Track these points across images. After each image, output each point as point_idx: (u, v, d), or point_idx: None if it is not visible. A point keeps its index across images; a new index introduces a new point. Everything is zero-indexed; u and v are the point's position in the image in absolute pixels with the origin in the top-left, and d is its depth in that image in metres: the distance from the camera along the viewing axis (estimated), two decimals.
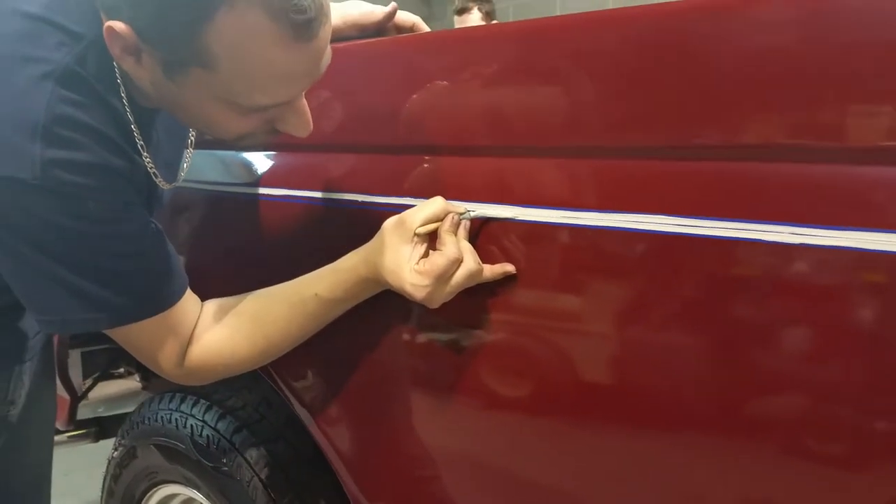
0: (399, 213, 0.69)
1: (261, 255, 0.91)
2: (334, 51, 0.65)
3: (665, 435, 0.61)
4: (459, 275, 0.65)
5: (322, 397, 0.85)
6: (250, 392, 1.04)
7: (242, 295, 0.76)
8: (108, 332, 0.71)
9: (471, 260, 0.66)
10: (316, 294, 0.73)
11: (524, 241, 0.67)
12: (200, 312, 0.75)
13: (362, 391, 0.82)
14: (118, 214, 0.65)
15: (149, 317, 0.69)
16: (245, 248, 0.93)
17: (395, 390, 0.79)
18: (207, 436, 0.98)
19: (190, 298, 0.74)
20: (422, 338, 0.76)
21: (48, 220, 0.61)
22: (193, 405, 1.02)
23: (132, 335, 0.71)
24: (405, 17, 0.86)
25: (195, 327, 0.74)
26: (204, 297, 0.77)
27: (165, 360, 0.73)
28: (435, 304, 0.67)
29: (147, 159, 0.69)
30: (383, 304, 0.75)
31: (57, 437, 1.46)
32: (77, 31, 0.61)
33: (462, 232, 0.67)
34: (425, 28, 0.87)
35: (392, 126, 0.76)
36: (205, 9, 0.53)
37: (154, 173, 0.70)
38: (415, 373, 0.77)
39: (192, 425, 0.99)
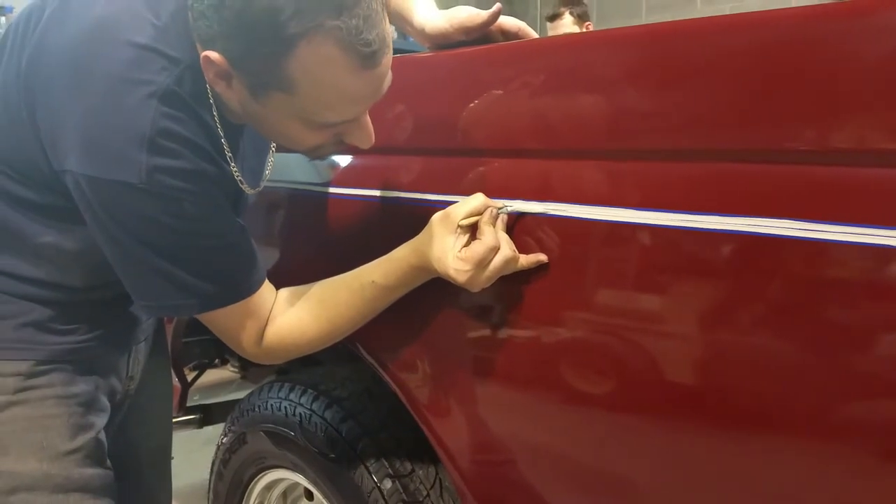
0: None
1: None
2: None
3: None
4: (497, 261, 0.73)
5: (429, 391, 0.89)
6: (354, 383, 1.09)
7: (311, 284, 0.86)
8: (198, 317, 0.82)
9: (507, 248, 0.74)
10: (373, 281, 0.82)
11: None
12: (275, 299, 0.85)
13: (469, 385, 0.85)
14: (209, 214, 0.75)
15: (233, 303, 0.80)
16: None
17: (503, 385, 0.81)
18: (316, 423, 1.03)
19: (267, 287, 0.84)
20: (532, 333, 0.78)
21: (151, 218, 0.71)
22: (302, 394, 1.07)
23: (219, 319, 0.81)
24: (511, 22, 0.90)
25: (271, 312, 0.84)
26: (279, 281, 0.86)
27: (246, 341, 0.83)
28: (476, 288, 0.75)
29: (234, 168, 0.78)
30: (491, 297, 0.79)
31: None
32: (176, 57, 0.71)
33: (500, 224, 0.76)
34: (531, 33, 0.90)
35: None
36: (288, 43, 0.63)
37: (240, 180, 0.80)
38: (524, 368, 0.79)
39: (300, 413, 1.05)
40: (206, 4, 0.64)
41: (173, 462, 1.19)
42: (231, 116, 0.77)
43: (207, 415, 1.58)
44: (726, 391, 0.63)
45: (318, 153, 0.79)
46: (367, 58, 0.65)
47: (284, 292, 0.86)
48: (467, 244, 0.75)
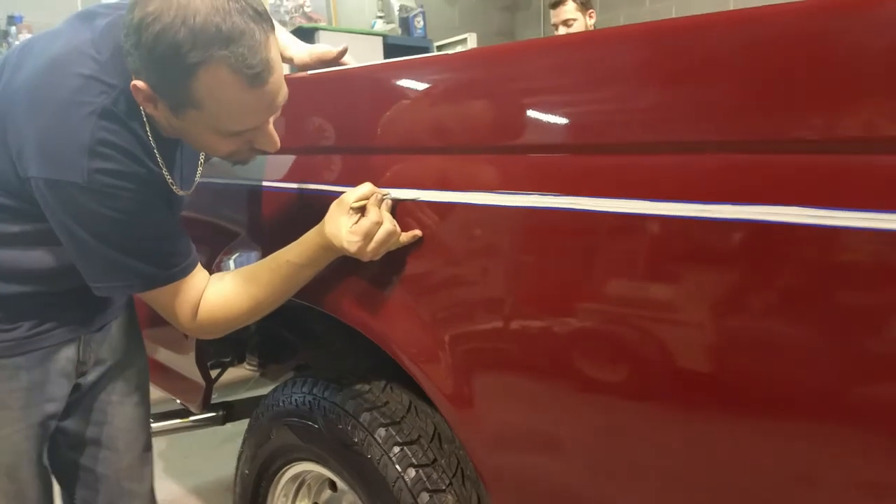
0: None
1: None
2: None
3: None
4: (380, 233, 0.90)
5: (452, 382, 0.90)
6: (376, 378, 1.11)
7: (239, 269, 1.03)
8: (140, 295, 0.99)
9: (388, 223, 0.91)
10: (288, 260, 0.99)
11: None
12: (208, 281, 1.02)
13: (492, 377, 0.87)
14: (144, 209, 0.92)
15: (170, 283, 0.97)
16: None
17: (525, 377, 0.83)
18: (339, 416, 1.05)
19: (200, 270, 1.02)
20: (546, 324, 0.79)
21: (95, 212, 0.88)
22: (325, 389, 1.10)
23: (158, 297, 0.98)
24: (349, 59, 1.22)
25: (204, 292, 1.01)
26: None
27: (182, 316, 1.00)
28: (366, 258, 0.93)
29: (165, 172, 0.95)
30: (507, 290, 0.81)
31: (190, 419, 1.58)
32: (113, 84, 0.89)
33: (384, 206, 0.93)
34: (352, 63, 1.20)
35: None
36: (190, 70, 0.80)
37: (171, 182, 0.97)
38: (544, 359, 0.80)
39: (324, 407, 1.07)
40: (130, 44, 0.81)
41: (193, 460, 1.22)
42: (163, 131, 0.94)
43: (230, 412, 1.61)
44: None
45: (235, 158, 0.95)
46: (253, 78, 0.82)
47: (216, 276, 1.03)
48: (357, 222, 0.91)
